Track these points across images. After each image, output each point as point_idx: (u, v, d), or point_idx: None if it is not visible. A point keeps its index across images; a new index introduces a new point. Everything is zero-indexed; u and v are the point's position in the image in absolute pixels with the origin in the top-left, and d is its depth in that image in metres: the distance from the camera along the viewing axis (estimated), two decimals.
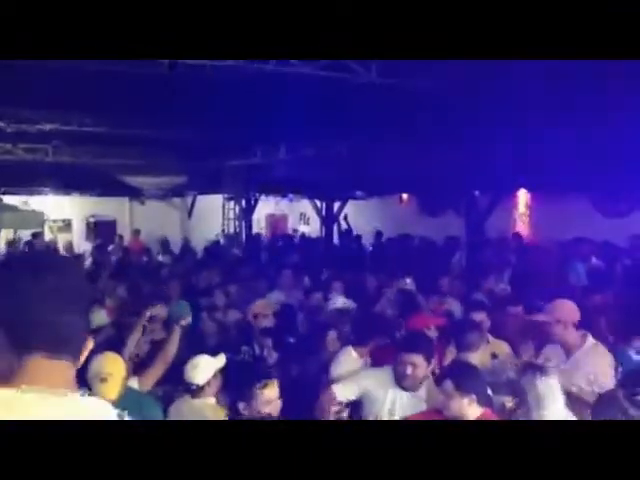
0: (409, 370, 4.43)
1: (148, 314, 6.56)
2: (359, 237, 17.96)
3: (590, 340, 4.85)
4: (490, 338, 5.65)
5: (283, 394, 4.09)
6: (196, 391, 4.65)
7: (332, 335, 6.11)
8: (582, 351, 4.79)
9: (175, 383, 5.11)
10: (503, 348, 5.60)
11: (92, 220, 23.30)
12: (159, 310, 6.97)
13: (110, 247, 17.98)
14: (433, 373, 4.66)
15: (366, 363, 5.44)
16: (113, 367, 4.38)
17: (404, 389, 4.51)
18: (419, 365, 4.44)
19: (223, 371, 4.78)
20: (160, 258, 15.92)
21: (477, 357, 4.84)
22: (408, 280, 8.06)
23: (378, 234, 17.76)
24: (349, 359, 5.44)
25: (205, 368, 4.70)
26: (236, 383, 4.42)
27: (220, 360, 4.81)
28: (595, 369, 4.56)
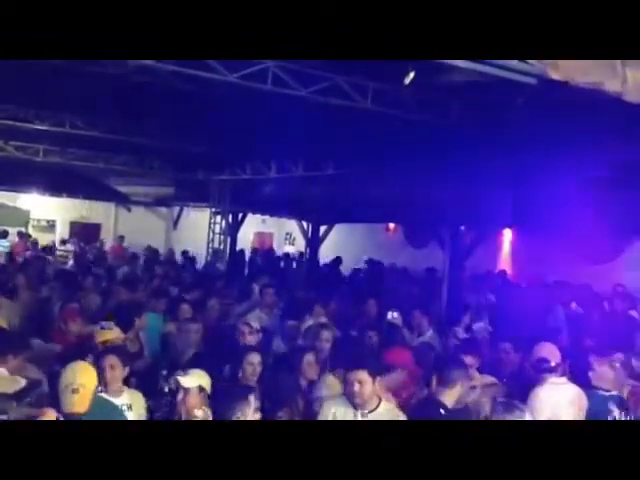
0: (356, 387, 4.58)
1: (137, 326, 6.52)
2: (339, 261, 17.88)
3: (550, 380, 5.34)
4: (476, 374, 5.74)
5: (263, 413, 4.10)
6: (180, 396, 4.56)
7: (309, 358, 6.07)
8: (539, 389, 5.26)
9: (149, 393, 5.04)
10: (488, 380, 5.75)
11: (76, 223, 23.16)
12: (143, 320, 6.93)
13: (92, 251, 17.86)
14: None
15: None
16: (85, 378, 4.27)
17: (356, 407, 4.63)
18: (365, 381, 4.58)
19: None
20: (141, 266, 15.79)
21: (456, 393, 4.85)
22: (395, 314, 8.05)
23: (369, 262, 17.59)
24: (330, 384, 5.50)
25: (196, 376, 4.65)
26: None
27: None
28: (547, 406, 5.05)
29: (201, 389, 4.59)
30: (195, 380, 4.62)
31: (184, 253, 18.39)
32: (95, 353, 5.25)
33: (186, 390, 4.56)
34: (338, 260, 17.66)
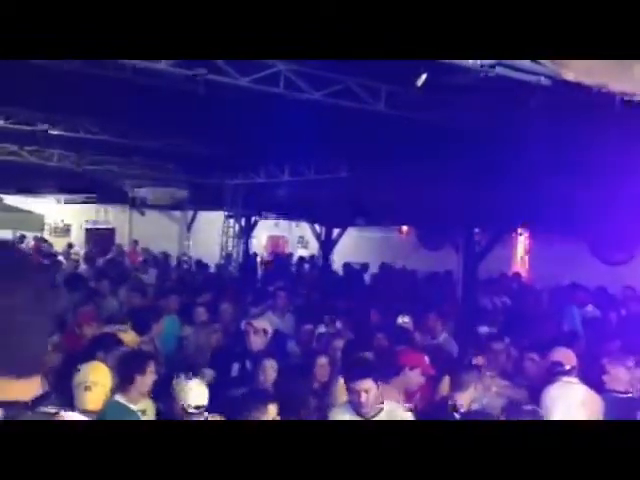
0: (363, 398, 4.52)
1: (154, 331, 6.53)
2: (349, 265, 17.81)
3: (563, 378, 5.39)
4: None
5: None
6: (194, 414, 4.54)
7: (322, 361, 6.07)
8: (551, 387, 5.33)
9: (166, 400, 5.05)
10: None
11: (91, 227, 23.29)
12: (161, 325, 6.94)
13: (107, 255, 17.95)
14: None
15: None
16: (98, 376, 4.29)
17: (362, 416, 4.58)
18: (371, 389, 4.55)
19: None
20: (155, 270, 15.85)
21: (469, 395, 4.85)
22: (406, 318, 8.04)
23: (383, 265, 17.50)
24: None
25: (203, 390, 4.63)
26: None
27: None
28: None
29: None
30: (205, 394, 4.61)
31: (186, 258, 18.42)
32: (135, 354, 5.22)
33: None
34: (366, 266, 17.52)
